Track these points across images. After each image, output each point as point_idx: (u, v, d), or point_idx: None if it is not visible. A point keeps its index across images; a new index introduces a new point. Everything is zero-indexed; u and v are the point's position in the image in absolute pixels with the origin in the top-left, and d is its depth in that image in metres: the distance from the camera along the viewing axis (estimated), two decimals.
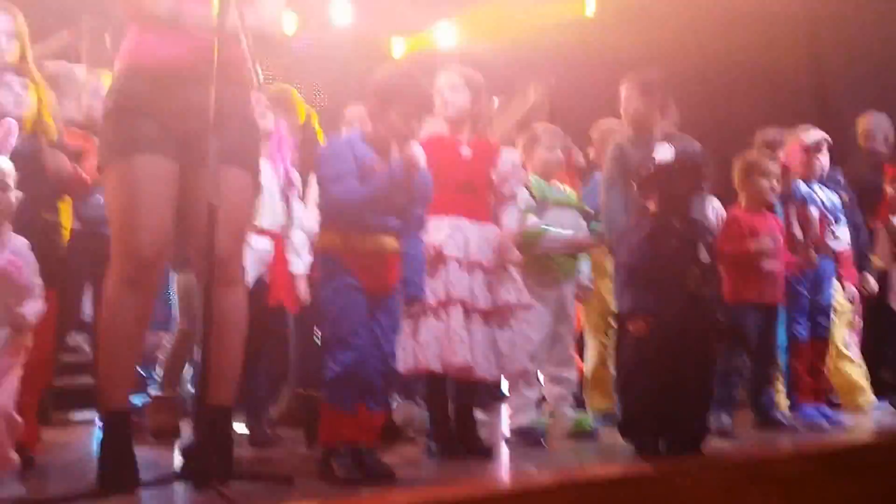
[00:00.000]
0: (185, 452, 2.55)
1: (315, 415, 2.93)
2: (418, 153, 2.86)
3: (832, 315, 4.39)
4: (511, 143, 4.14)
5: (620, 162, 3.86)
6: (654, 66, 4.11)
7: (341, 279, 2.82)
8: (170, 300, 3.87)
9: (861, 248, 4.77)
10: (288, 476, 2.65)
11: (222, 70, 2.43)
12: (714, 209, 4.54)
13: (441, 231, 3.29)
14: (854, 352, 4.77)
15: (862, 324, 4.93)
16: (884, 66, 6.02)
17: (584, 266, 4.05)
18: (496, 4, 6.89)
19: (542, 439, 3.57)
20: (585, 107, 5.07)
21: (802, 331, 4.19)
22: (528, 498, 2.50)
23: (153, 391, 3.86)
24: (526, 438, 3.58)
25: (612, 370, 3.95)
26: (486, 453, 3.27)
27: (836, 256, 4.46)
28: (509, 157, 3.59)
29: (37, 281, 2.53)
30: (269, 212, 3.63)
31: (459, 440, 3.30)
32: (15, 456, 2.44)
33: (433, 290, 3.22)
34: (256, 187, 2.81)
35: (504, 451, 3.50)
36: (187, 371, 4.03)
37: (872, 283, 4.83)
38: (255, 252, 3.48)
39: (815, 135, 4.36)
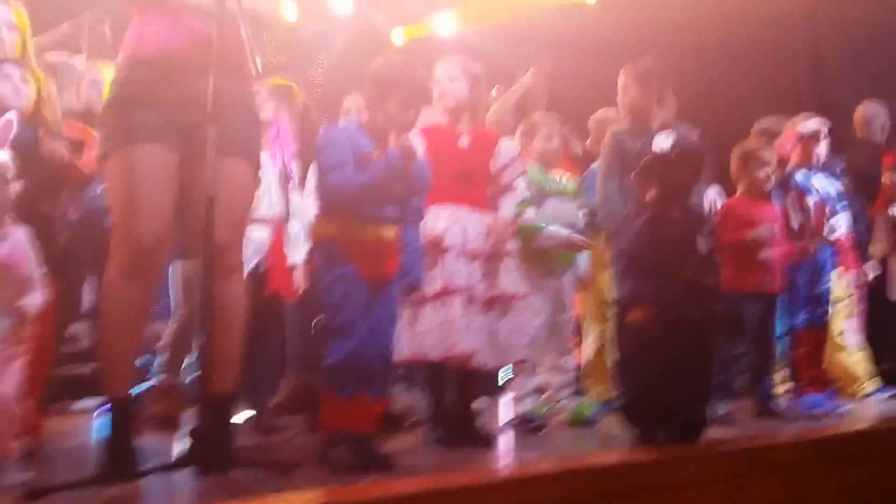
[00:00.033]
0: (188, 440, 2.55)
1: (315, 402, 2.94)
2: (416, 142, 2.86)
3: (831, 304, 4.40)
4: (504, 127, 4.14)
5: (618, 151, 3.86)
6: (653, 54, 4.10)
7: (340, 268, 2.82)
8: (170, 289, 3.87)
9: (861, 236, 4.78)
10: (289, 463, 2.66)
11: (223, 60, 2.44)
12: (714, 198, 4.54)
13: (440, 220, 3.30)
14: (854, 340, 4.78)
15: (862, 312, 4.94)
16: (882, 55, 6.01)
17: (583, 257, 4.05)
18: None
19: (541, 427, 3.58)
20: (583, 96, 5.06)
21: (801, 319, 4.20)
22: (527, 486, 2.51)
23: (154, 379, 3.87)
24: (525, 426, 3.59)
25: (612, 357, 3.96)
26: (485, 442, 3.28)
27: (835, 245, 4.46)
28: (508, 147, 3.59)
29: (38, 272, 2.53)
30: (266, 201, 3.64)
31: (459, 428, 3.31)
32: (17, 445, 2.45)
33: (432, 279, 3.23)
34: (257, 178, 2.82)
35: (503, 440, 3.51)
36: (188, 359, 4.03)
37: (872, 272, 4.84)
38: (253, 242, 3.48)
39: (812, 123, 4.36)
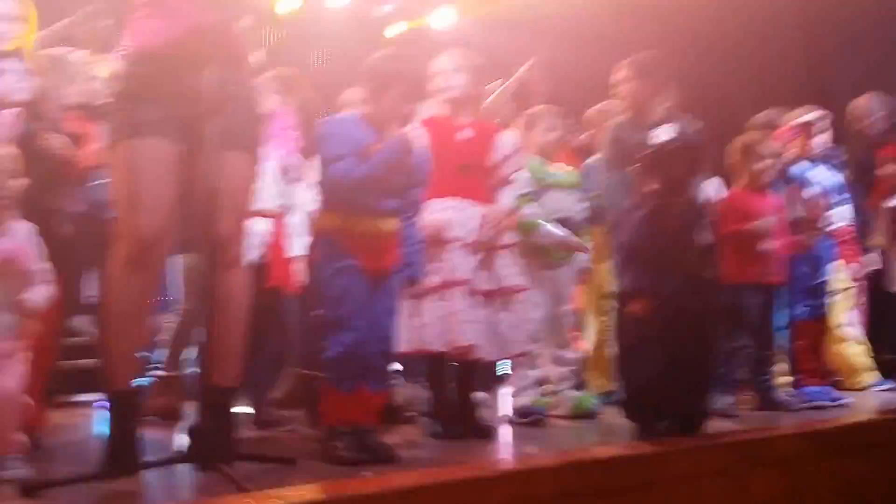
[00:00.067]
0: (189, 434, 2.55)
1: (316, 396, 2.95)
2: (417, 134, 2.86)
3: (832, 295, 4.40)
4: (502, 118, 4.13)
5: (618, 144, 3.85)
6: (653, 46, 4.10)
7: (340, 260, 2.83)
8: (172, 282, 3.87)
9: (860, 228, 4.77)
10: (290, 457, 2.66)
11: (223, 51, 2.43)
12: (714, 191, 4.52)
13: (441, 213, 3.30)
14: (856, 331, 4.78)
15: (864, 304, 4.94)
16: (880, 46, 6.00)
17: None
18: None
19: (542, 420, 3.59)
20: (583, 88, 5.06)
21: (803, 311, 4.20)
22: (529, 478, 2.51)
23: (156, 372, 3.87)
24: (527, 419, 3.59)
25: (613, 350, 3.96)
26: (487, 434, 3.29)
27: (836, 236, 4.46)
28: (509, 139, 3.59)
29: (43, 267, 2.54)
30: (267, 194, 3.63)
31: (460, 421, 3.31)
32: (23, 438, 2.46)
33: (433, 272, 3.23)
34: (257, 170, 2.81)
35: (505, 432, 3.51)
36: (190, 352, 4.03)
37: (873, 263, 4.84)
38: (254, 234, 3.48)
39: (812, 114, 4.36)
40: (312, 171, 3.68)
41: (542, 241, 3.75)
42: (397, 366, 3.67)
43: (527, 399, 3.66)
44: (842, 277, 4.61)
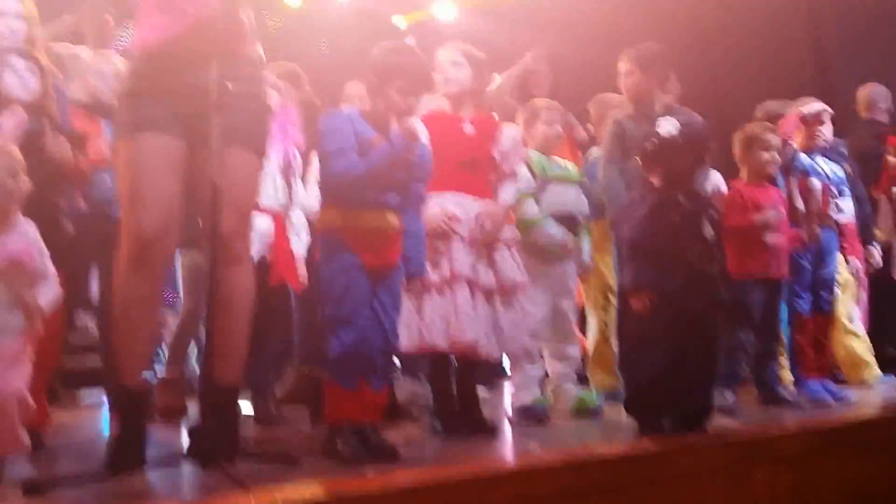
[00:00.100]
0: (192, 432, 2.56)
1: (319, 393, 2.94)
2: (419, 129, 2.85)
3: (836, 289, 4.38)
4: (504, 110, 4.12)
5: (619, 137, 3.84)
6: (655, 38, 4.07)
7: (342, 257, 2.82)
8: (175, 279, 3.87)
9: (865, 220, 4.75)
10: (293, 455, 2.66)
11: (227, 47, 2.42)
12: (716, 184, 4.51)
13: (444, 208, 3.29)
14: (858, 326, 4.76)
15: (866, 298, 4.92)
16: (884, 36, 5.98)
17: (585, 244, 4.03)
18: None
19: (545, 417, 3.58)
20: (586, 80, 5.04)
21: (805, 305, 4.17)
22: (531, 476, 2.51)
23: (159, 371, 3.88)
24: (529, 416, 3.59)
25: (615, 346, 3.95)
26: (489, 431, 3.28)
27: (839, 229, 4.43)
28: (510, 134, 3.57)
29: (49, 266, 2.54)
30: (269, 191, 3.62)
31: (463, 418, 3.31)
32: (26, 437, 2.46)
33: (437, 267, 3.22)
34: (262, 167, 2.81)
35: (507, 430, 3.51)
36: (193, 350, 4.04)
37: (877, 257, 4.82)
38: (257, 231, 3.47)
39: (815, 106, 4.33)
40: (313, 167, 3.68)
41: (539, 240, 3.74)
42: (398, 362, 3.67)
43: (529, 396, 3.65)
44: (844, 271, 4.59)
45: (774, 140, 4.08)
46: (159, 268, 2.60)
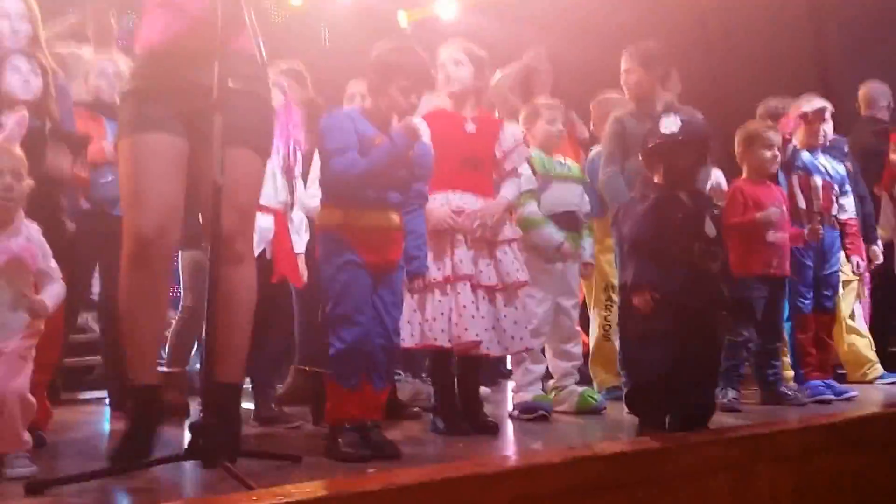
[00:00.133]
0: (193, 430, 2.55)
1: (321, 392, 2.94)
2: (421, 127, 2.85)
3: (838, 287, 4.38)
4: (506, 108, 4.11)
5: (620, 135, 3.84)
6: (656, 36, 4.07)
7: (344, 255, 2.82)
8: (179, 278, 3.88)
9: (867, 218, 4.74)
10: (295, 454, 2.66)
11: (229, 46, 2.42)
12: (715, 179, 4.50)
13: (446, 207, 3.28)
14: (860, 324, 4.76)
15: (868, 295, 4.92)
16: (885, 34, 5.97)
17: (587, 242, 4.03)
18: None
19: (547, 415, 3.58)
20: (587, 79, 5.04)
21: (808, 303, 4.17)
22: (533, 475, 2.50)
23: (161, 368, 3.87)
24: (531, 414, 3.59)
25: (617, 344, 3.95)
26: (491, 429, 3.28)
27: (841, 227, 4.43)
28: (512, 132, 3.57)
29: (54, 265, 2.54)
30: (270, 189, 3.62)
31: (465, 417, 3.31)
32: (28, 436, 2.47)
33: (439, 266, 3.22)
34: (264, 165, 2.81)
35: (509, 427, 3.51)
36: (195, 348, 4.04)
37: (879, 254, 4.81)
38: (258, 229, 3.47)
39: (816, 103, 4.32)
40: (314, 167, 3.68)
41: (537, 241, 3.73)
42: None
43: (531, 394, 3.65)
44: (846, 269, 4.59)
45: (776, 138, 4.08)
46: (161, 266, 2.60)
